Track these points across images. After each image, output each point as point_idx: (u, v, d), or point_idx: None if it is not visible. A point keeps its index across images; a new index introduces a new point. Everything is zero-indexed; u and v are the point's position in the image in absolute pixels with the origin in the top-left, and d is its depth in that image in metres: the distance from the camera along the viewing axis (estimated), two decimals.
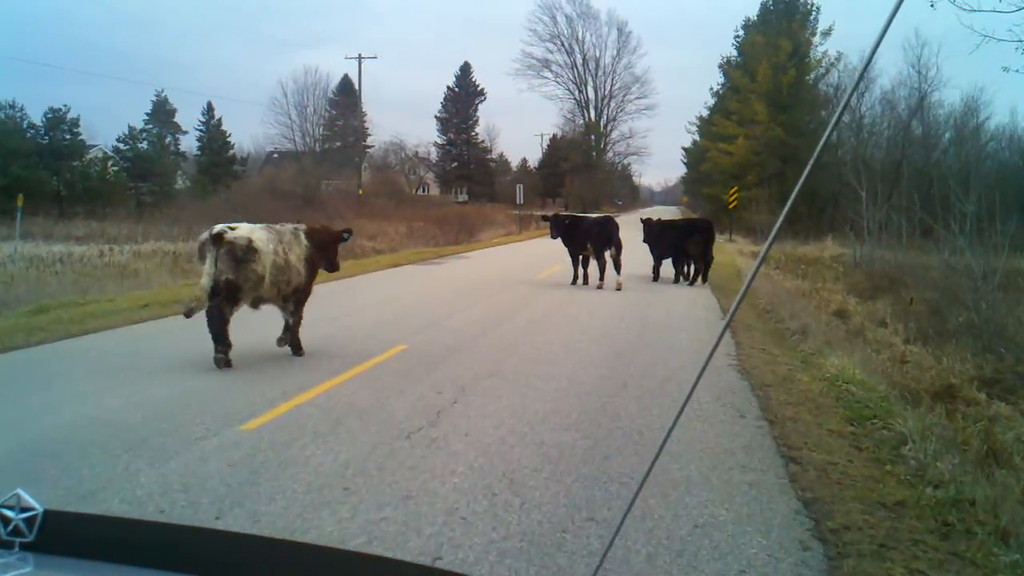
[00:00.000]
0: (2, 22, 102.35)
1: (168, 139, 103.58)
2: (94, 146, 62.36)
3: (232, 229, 9.82)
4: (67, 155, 54.90)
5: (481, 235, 47.38)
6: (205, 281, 9.58)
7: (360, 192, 64.21)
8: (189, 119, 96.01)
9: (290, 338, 10.84)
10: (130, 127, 63.31)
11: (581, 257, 21.81)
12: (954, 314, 18.05)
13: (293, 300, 10.74)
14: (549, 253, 27.02)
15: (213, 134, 77.32)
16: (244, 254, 9.71)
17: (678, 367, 11.21)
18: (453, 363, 10.87)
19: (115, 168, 59.72)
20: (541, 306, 17.38)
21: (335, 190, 70.44)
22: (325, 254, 11.42)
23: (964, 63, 74.12)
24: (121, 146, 61.57)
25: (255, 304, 10.52)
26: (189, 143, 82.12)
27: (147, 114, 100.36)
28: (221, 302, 9.64)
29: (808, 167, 1.91)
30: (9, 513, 1.59)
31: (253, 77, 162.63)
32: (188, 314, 9.76)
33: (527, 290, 20.41)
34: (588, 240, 21.17)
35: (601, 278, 21.03)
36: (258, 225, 10.43)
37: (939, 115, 50.42)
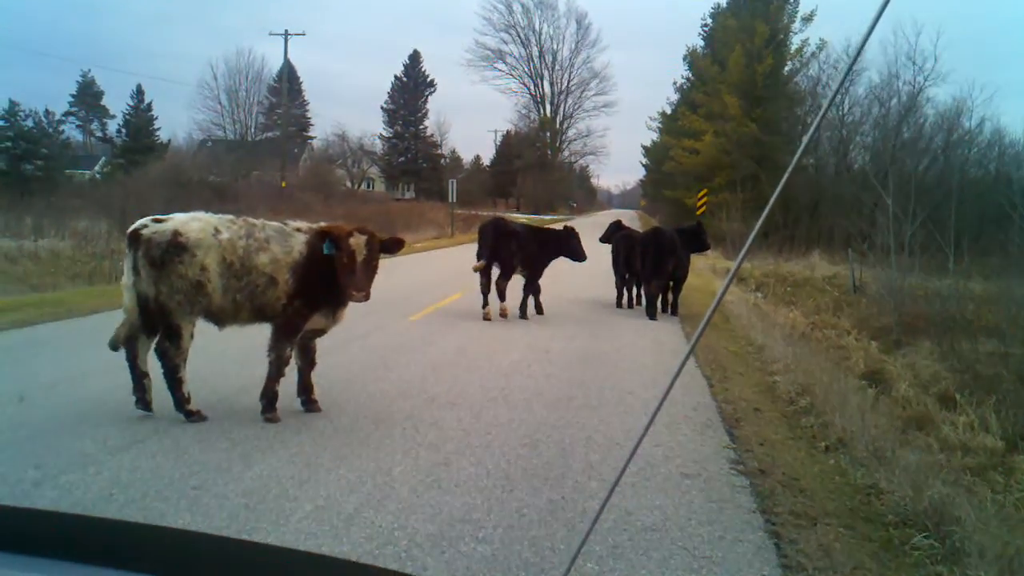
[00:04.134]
0: None
1: (94, 123, 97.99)
2: None
3: (159, 221, 7.51)
4: None
5: (407, 237, 40.19)
6: (126, 299, 7.57)
7: (283, 184, 57.39)
8: (120, 104, 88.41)
9: (263, 386, 7.92)
10: (11, 101, 55.42)
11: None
12: None
13: (273, 327, 7.97)
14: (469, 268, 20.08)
15: (139, 119, 71.13)
16: (164, 255, 7.31)
17: None
18: None
19: None
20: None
21: (256, 182, 63.66)
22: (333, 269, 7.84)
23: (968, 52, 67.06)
24: (0, 123, 53.55)
25: (223, 321, 7.89)
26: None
27: (72, 96, 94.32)
28: (160, 341, 7.49)
29: (790, 168, 1.89)
30: None
31: (195, 66, 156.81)
32: (114, 347, 7.70)
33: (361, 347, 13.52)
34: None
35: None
36: (210, 215, 7.86)
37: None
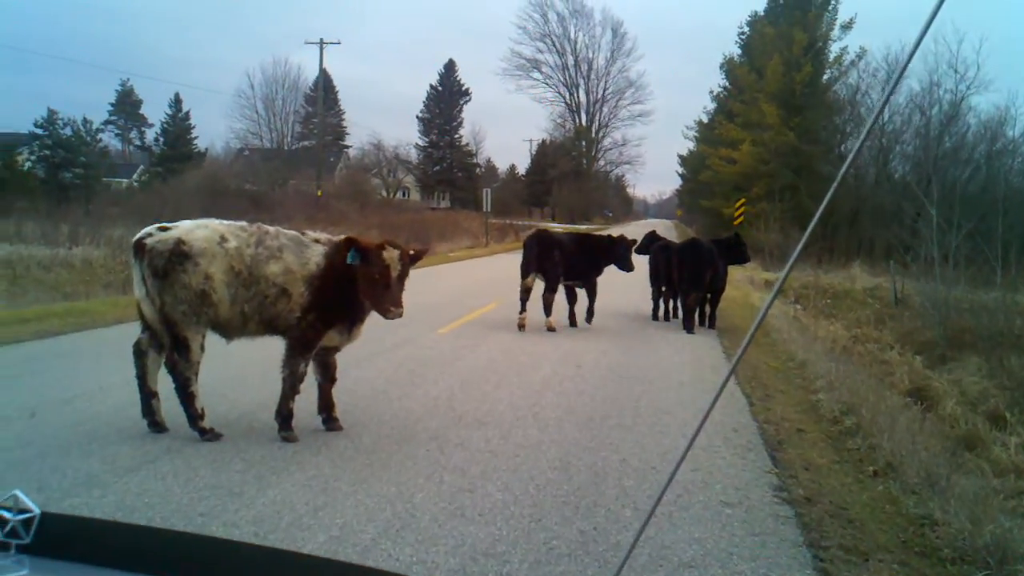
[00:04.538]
0: None
1: (132, 132, 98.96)
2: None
3: (164, 229, 7.21)
4: None
5: (442, 246, 40.33)
6: (145, 311, 7.26)
7: (319, 193, 57.34)
8: (159, 113, 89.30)
9: (278, 404, 7.56)
10: (49, 110, 55.73)
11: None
12: None
13: (287, 342, 7.55)
14: (506, 277, 19.66)
15: (176, 127, 71.21)
16: (168, 264, 7.03)
17: None
18: None
19: (32, 157, 52.42)
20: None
21: (293, 191, 63.75)
22: (353, 284, 7.46)
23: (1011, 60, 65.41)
24: (39, 132, 53.87)
25: (230, 333, 7.54)
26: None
27: (111, 104, 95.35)
28: (169, 354, 7.24)
29: (838, 178, 1.95)
30: (6, 515, 1.60)
31: (233, 76, 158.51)
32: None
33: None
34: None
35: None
36: (220, 222, 7.49)
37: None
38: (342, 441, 7.51)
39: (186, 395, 7.20)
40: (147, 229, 7.35)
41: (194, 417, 7.24)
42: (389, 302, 7.34)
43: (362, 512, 5.76)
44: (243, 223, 7.66)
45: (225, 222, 7.54)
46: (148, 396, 7.37)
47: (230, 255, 7.22)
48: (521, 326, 15.04)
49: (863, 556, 5.67)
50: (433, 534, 5.46)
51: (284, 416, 7.52)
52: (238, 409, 8.29)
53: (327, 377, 7.91)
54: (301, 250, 7.53)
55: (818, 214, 1.96)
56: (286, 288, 7.37)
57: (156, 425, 7.40)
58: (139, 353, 7.34)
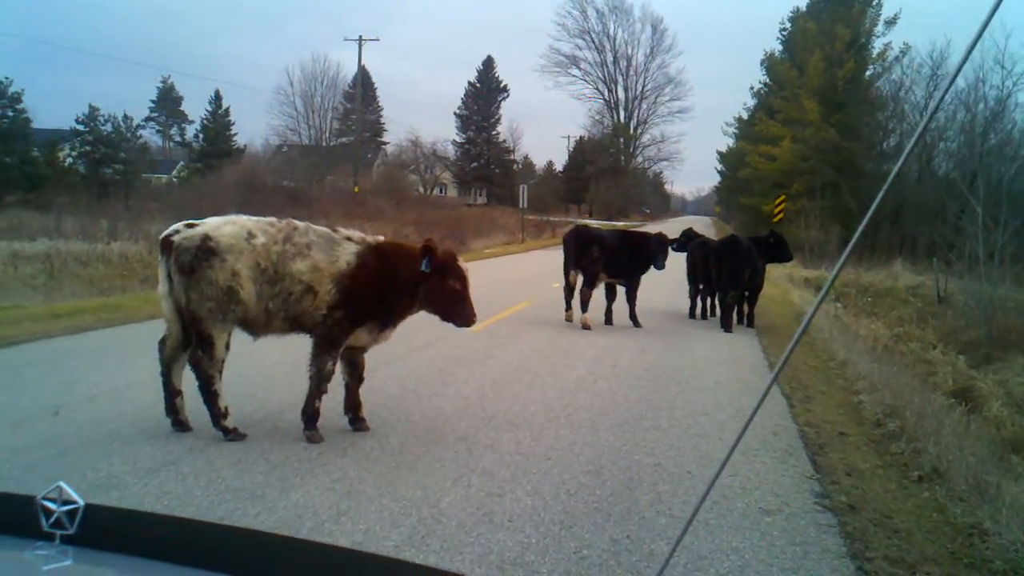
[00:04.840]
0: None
1: (173, 128, 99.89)
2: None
3: (191, 226, 7.13)
4: (6, 136, 47.73)
5: (477, 243, 40.19)
6: (165, 309, 7.26)
7: (356, 190, 57.41)
8: (199, 109, 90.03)
9: (303, 405, 7.43)
10: (91, 106, 56.33)
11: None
12: None
13: (313, 339, 7.41)
14: (540, 274, 19.38)
15: (216, 124, 72.94)
16: (194, 260, 6.92)
17: None
18: None
19: (73, 152, 52.87)
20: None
21: (330, 187, 63.96)
22: (402, 289, 7.49)
23: None
24: (80, 128, 54.34)
25: (256, 331, 7.41)
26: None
27: (152, 101, 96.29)
28: (193, 351, 7.08)
29: (891, 176, 1.99)
30: (51, 505, 1.62)
31: (272, 73, 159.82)
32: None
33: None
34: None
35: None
36: (248, 218, 7.36)
37: None
38: (369, 442, 7.33)
39: (209, 393, 7.07)
40: (174, 226, 7.27)
41: (217, 416, 7.11)
42: (471, 312, 7.51)
43: (386, 517, 5.58)
44: (272, 219, 7.55)
45: (254, 218, 7.41)
46: (172, 394, 7.30)
47: (257, 251, 7.11)
48: (568, 320, 15.17)
49: (910, 568, 5.41)
50: (459, 541, 5.26)
51: (309, 415, 7.40)
52: (265, 408, 8.14)
53: (355, 376, 7.75)
54: (331, 247, 7.41)
55: (867, 217, 1.90)
56: (312, 285, 7.24)
57: (180, 424, 7.31)
58: (164, 350, 7.25)
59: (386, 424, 7.91)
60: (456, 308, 7.47)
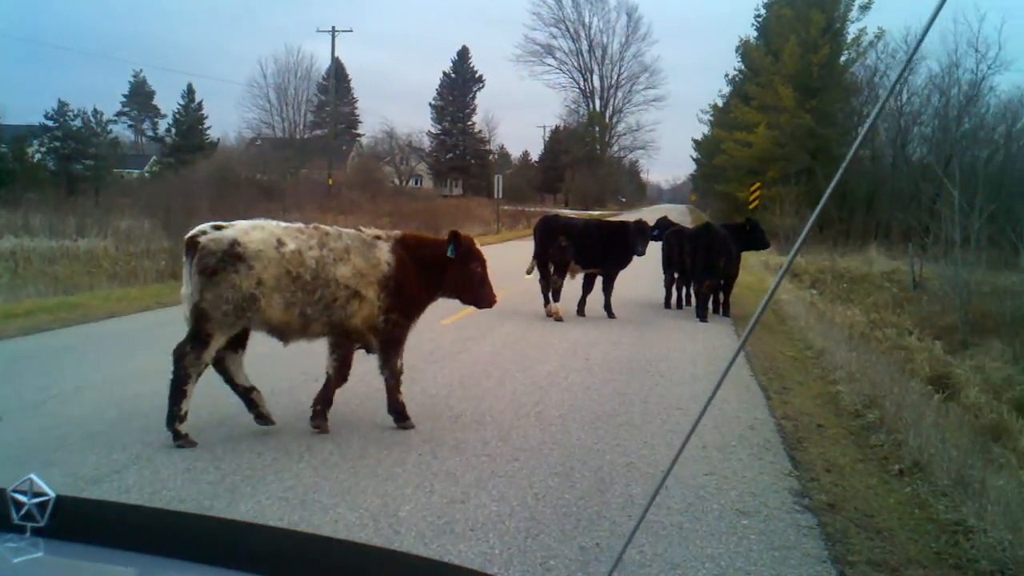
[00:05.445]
0: None
1: (145, 122, 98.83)
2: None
3: (219, 228, 7.09)
4: None
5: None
6: (185, 310, 7.09)
7: (330, 182, 56.99)
8: (172, 104, 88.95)
9: (387, 401, 7.77)
10: (60, 101, 55.55)
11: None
12: None
13: (377, 344, 7.66)
14: (516, 265, 19.03)
15: (189, 117, 72.59)
16: (219, 264, 6.88)
17: None
18: None
19: (42, 148, 52.20)
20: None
21: (304, 180, 63.45)
22: (433, 278, 7.89)
23: None
24: (49, 123, 53.61)
25: (288, 336, 7.41)
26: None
27: (124, 96, 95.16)
28: (183, 344, 6.92)
29: (847, 160, 1.86)
30: (22, 498, 1.63)
31: (246, 65, 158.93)
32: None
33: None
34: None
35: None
36: (277, 223, 7.41)
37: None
38: (328, 445, 7.02)
39: (178, 391, 6.84)
40: (201, 227, 7.28)
41: (175, 417, 6.83)
42: (491, 294, 8.14)
43: (341, 529, 5.27)
44: (299, 224, 7.69)
45: (281, 224, 7.47)
46: (246, 393, 7.35)
47: (287, 259, 7.14)
48: (550, 315, 14.83)
49: (893, 572, 5.21)
50: (417, 553, 4.95)
51: (398, 411, 7.73)
52: (219, 412, 7.75)
53: (340, 374, 7.69)
54: (368, 251, 7.60)
55: (826, 195, 1.90)
56: (358, 291, 7.45)
57: (262, 418, 7.36)
58: (217, 361, 7.20)
59: (347, 426, 7.62)
60: (479, 290, 8.04)
